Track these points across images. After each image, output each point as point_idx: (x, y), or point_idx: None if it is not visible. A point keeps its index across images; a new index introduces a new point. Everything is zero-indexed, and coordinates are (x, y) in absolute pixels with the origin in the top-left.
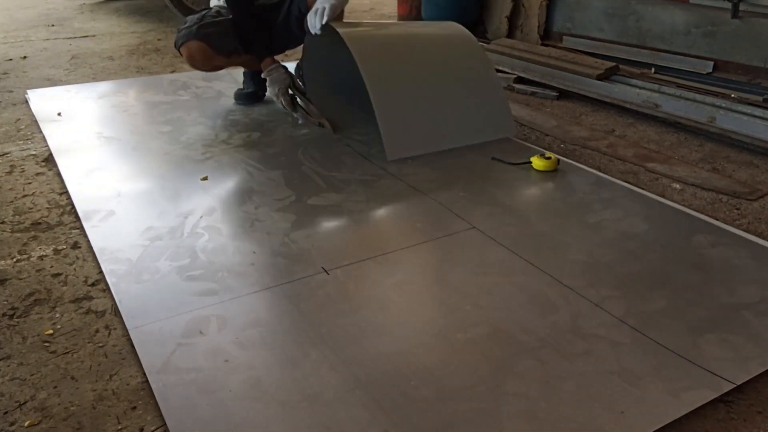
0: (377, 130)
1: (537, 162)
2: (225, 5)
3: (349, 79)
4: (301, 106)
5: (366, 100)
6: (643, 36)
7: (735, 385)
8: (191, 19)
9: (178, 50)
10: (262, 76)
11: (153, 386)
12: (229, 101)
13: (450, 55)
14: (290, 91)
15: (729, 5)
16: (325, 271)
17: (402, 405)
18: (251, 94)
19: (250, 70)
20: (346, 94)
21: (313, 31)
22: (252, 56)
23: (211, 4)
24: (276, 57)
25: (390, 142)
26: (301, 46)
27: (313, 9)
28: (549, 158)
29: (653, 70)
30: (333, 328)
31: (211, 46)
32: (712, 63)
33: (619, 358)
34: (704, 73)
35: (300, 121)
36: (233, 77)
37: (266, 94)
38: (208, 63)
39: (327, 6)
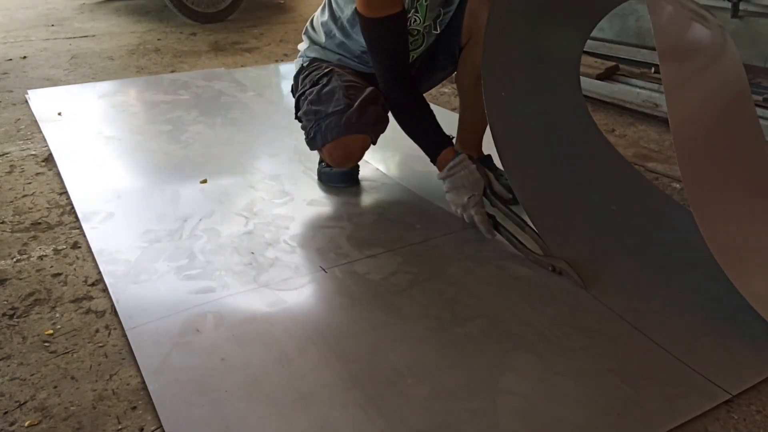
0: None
1: None
2: (323, 50)
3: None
4: (507, 231)
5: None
6: (643, 35)
7: (731, 396)
8: (318, 93)
9: (319, 148)
10: (439, 177)
11: (150, 387)
12: (228, 100)
13: None
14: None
15: (729, 5)
16: (323, 269)
17: (398, 405)
18: (346, 175)
19: None
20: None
21: None
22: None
23: (300, 48)
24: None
25: None
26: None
27: None
28: None
29: (653, 69)
30: (329, 324)
31: (375, 135)
32: None
33: (617, 356)
34: None
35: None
36: (233, 76)
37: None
38: (362, 157)
39: None
